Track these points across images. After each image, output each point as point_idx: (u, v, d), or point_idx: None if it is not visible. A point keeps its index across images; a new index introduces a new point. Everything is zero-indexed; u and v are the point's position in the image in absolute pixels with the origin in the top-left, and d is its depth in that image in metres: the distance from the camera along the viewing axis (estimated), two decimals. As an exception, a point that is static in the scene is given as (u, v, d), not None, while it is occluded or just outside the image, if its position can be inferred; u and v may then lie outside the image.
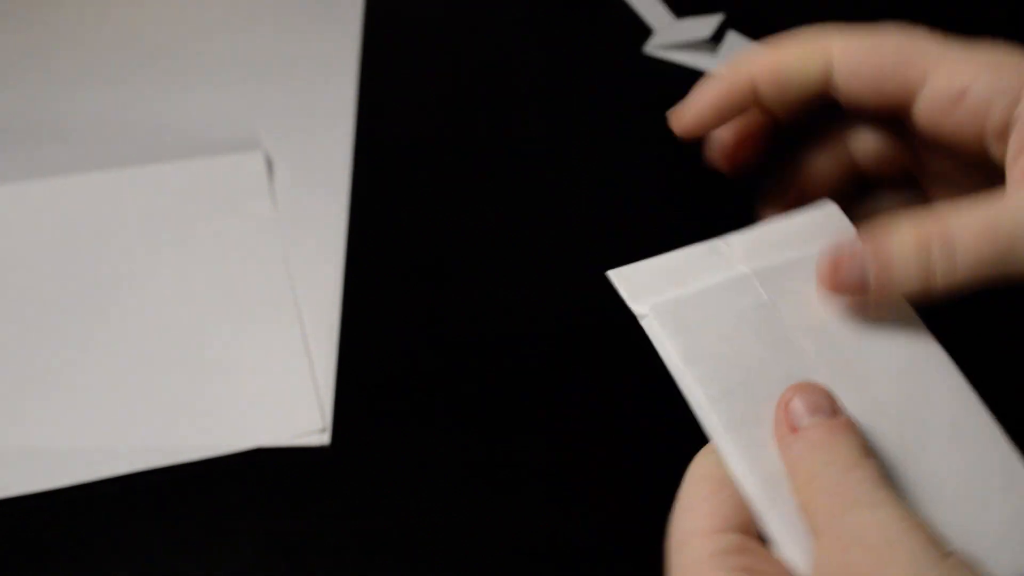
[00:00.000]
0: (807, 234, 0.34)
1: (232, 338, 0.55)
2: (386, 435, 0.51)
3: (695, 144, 0.41)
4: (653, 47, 0.72)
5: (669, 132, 0.41)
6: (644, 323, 0.31)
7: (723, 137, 0.40)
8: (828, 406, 0.29)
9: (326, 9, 0.74)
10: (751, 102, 0.38)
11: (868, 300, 0.32)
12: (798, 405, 0.29)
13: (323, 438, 0.51)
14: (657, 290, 0.32)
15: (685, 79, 0.70)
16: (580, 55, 0.72)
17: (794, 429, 0.29)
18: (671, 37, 0.72)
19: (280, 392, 0.52)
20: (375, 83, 0.69)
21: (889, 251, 0.32)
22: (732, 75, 0.38)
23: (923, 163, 0.39)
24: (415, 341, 0.55)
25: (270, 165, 0.63)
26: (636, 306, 0.32)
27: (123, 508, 0.48)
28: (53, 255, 0.58)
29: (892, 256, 0.32)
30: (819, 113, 0.39)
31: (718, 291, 0.32)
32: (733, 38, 0.70)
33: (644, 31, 0.73)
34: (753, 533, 0.29)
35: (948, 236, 0.31)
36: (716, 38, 0.71)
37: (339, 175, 0.63)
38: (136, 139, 0.65)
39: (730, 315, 0.31)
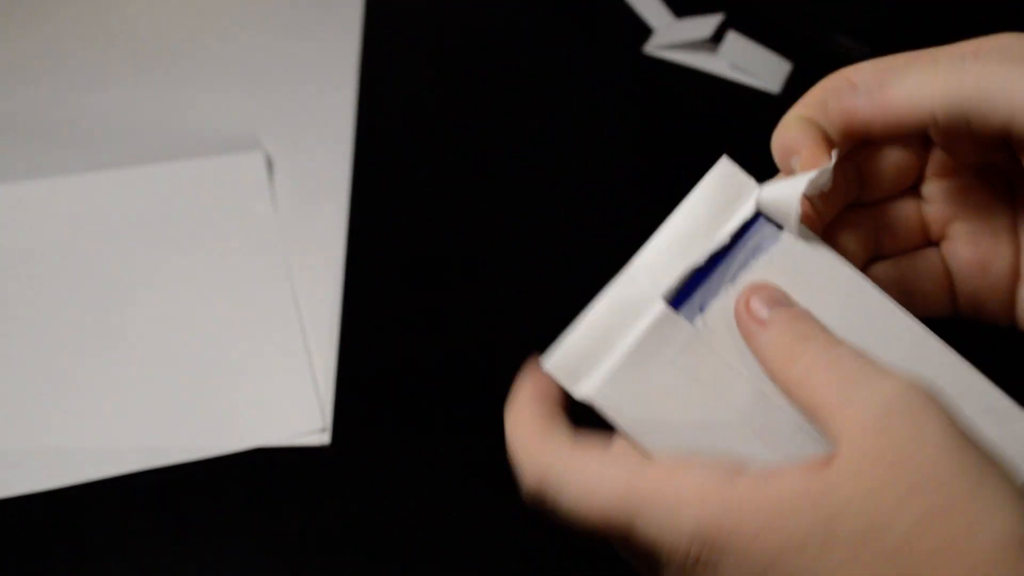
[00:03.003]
0: (709, 216, 0.34)
1: (232, 338, 0.55)
2: (386, 435, 0.51)
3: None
4: (653, 47, 0.72)
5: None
6: (593, 405, 0.33)
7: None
8: (784, 298, 0.29)
9: (326, 10, 0.74)
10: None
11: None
12: (757, 302, 0.29)
13: (323, 438, 0.51)
14: (591, 362, 0.33)
15: (685, 79, 0.70)
16: (580, 55, 0.72)
17: (761, 323, 0.29)
18: (671, 37, 0.72)
19: (280, 392, 0.52)
20: (375, 83, 0.69)
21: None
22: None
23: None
24: (415, 341, 0.55)
25: (270, 165, 0.63)
26: (580, 392, 0.33)
27: (123, 508, 0.48)
28: (52, 255, 0.58)
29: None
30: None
31: (645, 345, 0.32)
32: (733, 38, 0.70)
33: (644, 31, 0.73)
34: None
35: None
36: (716, 38, 0.71)
37: (339, 175, 0.63)
38: (137, 139, 0.65)
39: (664, 367, 0.32)
